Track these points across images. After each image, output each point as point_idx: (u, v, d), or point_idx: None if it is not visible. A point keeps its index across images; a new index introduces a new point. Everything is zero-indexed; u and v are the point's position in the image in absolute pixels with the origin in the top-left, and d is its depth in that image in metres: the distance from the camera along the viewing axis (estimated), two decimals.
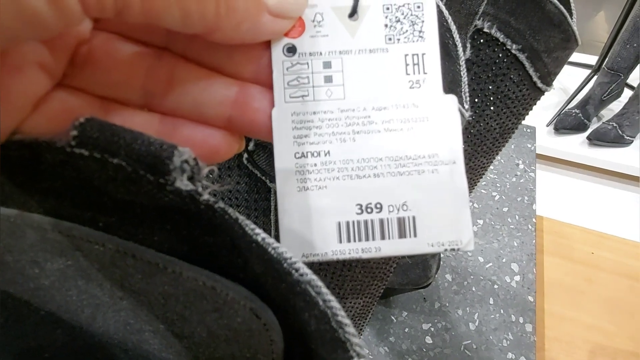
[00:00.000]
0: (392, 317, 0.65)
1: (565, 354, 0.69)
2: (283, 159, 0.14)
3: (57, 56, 0.12)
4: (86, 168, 0.11)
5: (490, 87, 0.37)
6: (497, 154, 0.43)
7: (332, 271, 0.29)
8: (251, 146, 0.21)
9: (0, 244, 0.14)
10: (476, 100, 0.38)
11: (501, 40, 0.33)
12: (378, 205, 0.14)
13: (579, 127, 1.26)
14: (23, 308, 0.16)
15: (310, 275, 0.10)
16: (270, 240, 0.10)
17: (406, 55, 0.14)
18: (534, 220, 0.82)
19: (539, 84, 0.36)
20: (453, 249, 0.14)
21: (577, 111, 1.26)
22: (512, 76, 0.36)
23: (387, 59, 0.14)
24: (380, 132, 0.14)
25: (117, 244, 0.13)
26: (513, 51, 0.34)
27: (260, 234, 0.10)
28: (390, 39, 0.14)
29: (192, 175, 0.11)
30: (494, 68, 0.36)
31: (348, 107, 0.14)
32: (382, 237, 0.14)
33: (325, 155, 0.14)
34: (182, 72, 0.13)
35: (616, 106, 1.26)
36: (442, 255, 0.73)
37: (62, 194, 0.13)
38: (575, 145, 1.24)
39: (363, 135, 0.14)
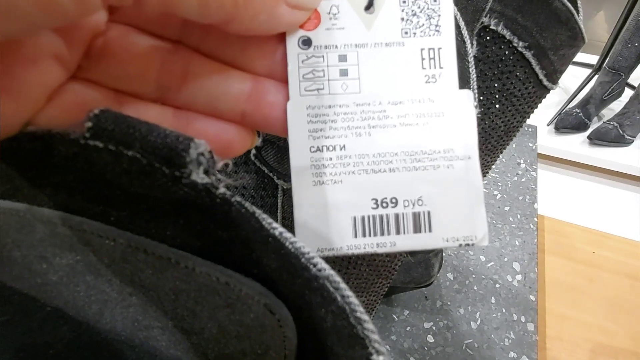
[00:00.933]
0: (394, 316, 0.65)
1: (566, 353, 0.69)
2: (298, 152, 0.14)
3: (72, 48, 0.11)
4: (100, 160, 0.11)
5: (495, 85, 0.37)
6: (501, 153, 0.43)
7: (338, 269, 0.29)
8: (259, 142, 0.21)
9: (9, 239, 0.14)
10: (481, 97, 0.37)
11: (508, 37, 0.33)
12: (393, 200, 0.14)
13: (579, 127, 1.26)
14: (29, 304, 0.16)
15: (328, 270, 0.10)
16: (288, 234, 0.10)
17: (422, 49, 0.14)
18: (535, 219, 0.82)
19: (545, 82, 0.36)
20: (467, 244, 0.14)
21: (578, 110, 1.26)
22: (518, 74, 0.36)
23: (403, 53, 0.14)
24: (396, 127, 0.14)
25: (128, 238, 0.13)
26: (519, 48, 0.34)
27: (277, 228, 0.10)
28: (406, 33, 0.14)
29: (208, 168, 0.10)
30: (500, 65, 0.36)
31: (364, 101, 0.14)
32: (397, 232, 0.14)
33: (341, 149, 0.14)
34: (196, 66, 0.13)
35: (617, 106, 1.26)
36: (444, 254, 0.73)
37: (73, 188, 0.12)
38: (575, 145, 1.24)
39: (379, 129, 0.14)
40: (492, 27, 0.33)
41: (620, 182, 1.19)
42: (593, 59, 1.30)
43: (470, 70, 0.24)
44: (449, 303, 0.67)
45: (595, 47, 1.35)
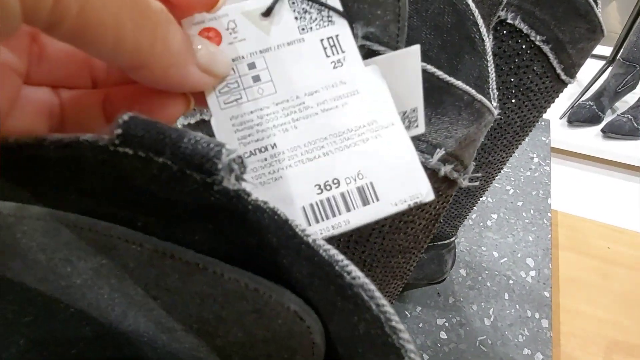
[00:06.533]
0: (407, 312, 0.64)
1: (580, 350, 0.68)
2: None
3: (21, 56, 0.12)
4: (129, 167, 0.10)
5: (512, 80, 0.36)
6: (516, 148, 0.42)
7: None
8: None
9: (34, 242, 0.14)
10: (497, 93, 0.37)
11: (525, 31, 0.33)
12: (335, 181, 0.15)
13: (593, 120, 1.24)
14: (53, 305, 0.16)
15: (362, 278, 0.10)
16: (321, 242, 0.10)
17: (322, 40, 0.15)
18: (549, 214, 0.81)
19: (563, 76, 0.35)
20: (415, 202, 0.15)
21: (591, 103, 1.24)
22: (535, 68, 0.35)
23: (306, 47, 0.15)
24: (318, 114, 0.15)
25: (155, 244, 0.13)
26: (537, 42, 0.33)
27: (310, 236, 0.10)
28: (303, 29, 0.15)
29: (239, 174, 0.10)
30: (516, 60, 0.35)
31: (282, 99, 0.15)
32: (347, 209, 0.15)
33: (272, 148, 0.15)
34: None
35: (631, 98, 1.24)
36: (456, 250, 0.72)
37: (99, 194, 0.12)
38: (589, 138, 1.22)
39: (303, 120, 0.15)
40: (509, 20, 0.32)
41: (634, 175, 1.17)
42: (607, 51, 1.27)
43: (489, 69, 0.24)
44: (461, 299, 0.66)
45: (609, 38, 1.32)
